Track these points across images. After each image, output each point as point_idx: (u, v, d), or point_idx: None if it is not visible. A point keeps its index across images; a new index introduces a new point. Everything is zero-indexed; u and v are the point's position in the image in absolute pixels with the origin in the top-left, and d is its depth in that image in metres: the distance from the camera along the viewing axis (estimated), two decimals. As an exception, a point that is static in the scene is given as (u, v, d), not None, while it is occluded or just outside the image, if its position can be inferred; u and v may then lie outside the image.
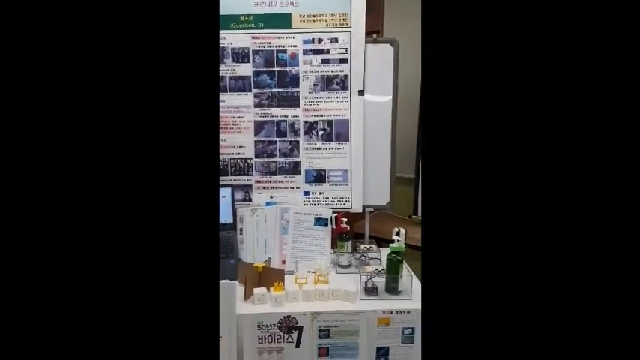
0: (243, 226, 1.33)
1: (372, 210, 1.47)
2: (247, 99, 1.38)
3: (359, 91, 1.37)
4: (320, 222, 1.34)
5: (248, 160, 1.41)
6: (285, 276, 1.17)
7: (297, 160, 1.40)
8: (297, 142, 1.40)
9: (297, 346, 1.08)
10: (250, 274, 1.15)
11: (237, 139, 1.40)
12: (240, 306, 1.08)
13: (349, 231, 1.35)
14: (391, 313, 1.09)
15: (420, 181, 1.66)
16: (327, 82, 1.37)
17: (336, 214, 1.35)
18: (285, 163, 1.41)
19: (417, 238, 1.44)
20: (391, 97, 1.38)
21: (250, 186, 1.42)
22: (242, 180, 1.42)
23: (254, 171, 1.41)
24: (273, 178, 1.41)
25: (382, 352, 1.10)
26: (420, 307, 1.09)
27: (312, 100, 1.38)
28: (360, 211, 1.42)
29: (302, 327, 1.07)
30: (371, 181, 1.41)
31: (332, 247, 1.34)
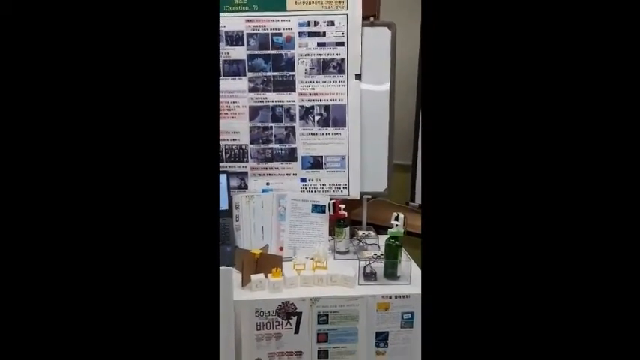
0: (239, 213, 1.30)
1: (369, 197, 1.45)
2: (242, 83, 1.35)
3: (356, 75, 1.34)
4: (317, 209, 1.32)
5: (243, 147, 1.38)
6: (283, 262, 1.16)
7: (293, 146, 1.38)
8: (293, 127, 1.37)
9: (296, 332, 1.06)
10: (247, 261, 1.13)
11: (231, 124, 1.37)
12: (237, 293, 1.06)
13: (347, 217, 1.34)
14: (390, 297, 1.08)
15: (419, 168, 1.65)
16: (324, 66, 1.34)
17: (333, 201, 1.33)
18: (281, 149, 1.38)
19: (414, 225, 1.43)
20: (389, 83, 1.36)
21: (246, 173, 1.39)
22: (237, 167, 1.39)
23: (249, 157, 1.38)
24: (269, 164, 1.39)
25: (382, 336, 1.10)
26: (419, 292, 1.08)
27: (308, 85, 1.35)
28: (358, 197, 1.41)
29: (301, 313, 1.06)
30: (368, 168, 1.39)
31: (329, 234, 1.33)
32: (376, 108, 1.37)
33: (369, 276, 1.15)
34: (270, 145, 1.38)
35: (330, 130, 1.37)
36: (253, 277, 1.10)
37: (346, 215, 1.33)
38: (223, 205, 1.33)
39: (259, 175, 1.39)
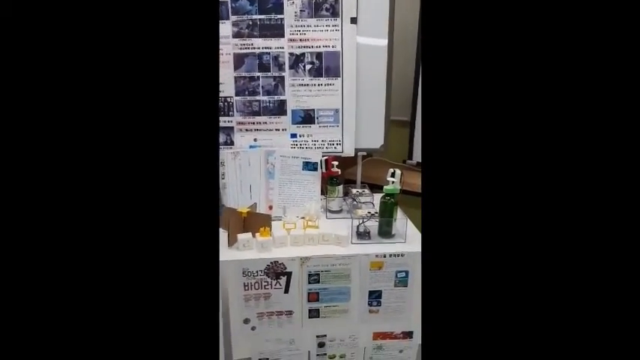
0: (225, 170, 1.22)
1: (364, 154, 1.37)
2: (225, 28, 1.22)
3: (351, 18, 1.22)
4: (309, 166, 1.25)
5: (228, 99, 1.27)
6: (273, 222, 1.10)
7: (282, 98, 1.27)
8: (283, 77, 1.26)
9: (286, 291, 1.03)
10: (234, 220, 1.06)
11: (215, 74, 1.25)
12: (223, 253, 1.01)
13: (340, 175, 1.26)
14: (384, 256, 1.04)
15: (417, 124, 1.56)
16: (316, 8, 1.21)
17: (326, 158, 1.25)
18: (270, 101, 1.28)
19: (411, 184, 1.37)
20: (387, 40, 1.23)
21: (232, 128, 1.30)
22: (222, 121, 1.29)
23: (235, 111, 1.28)
24: (257, 118, 1.29)
25: (375, 295, 1.06)
26: (414, 250, 1.04)
27: (298, 29, 1.22)
28: (352, 154, 1.33)
29: (291, 272, 1.01)
30: (364, 123, 1.30)
31: (322, 193, 1.26)
32: (373, 61, 1.25)
33: (363, 235, 1.10)
34: (257, 98, 1.27)
35: (323, 80, 1.26)
36: (240, 236, 1.04)
37: (339, 173, 1.26)
38: (208, 162, 1.24)
39: (246, 130, 1.30)
